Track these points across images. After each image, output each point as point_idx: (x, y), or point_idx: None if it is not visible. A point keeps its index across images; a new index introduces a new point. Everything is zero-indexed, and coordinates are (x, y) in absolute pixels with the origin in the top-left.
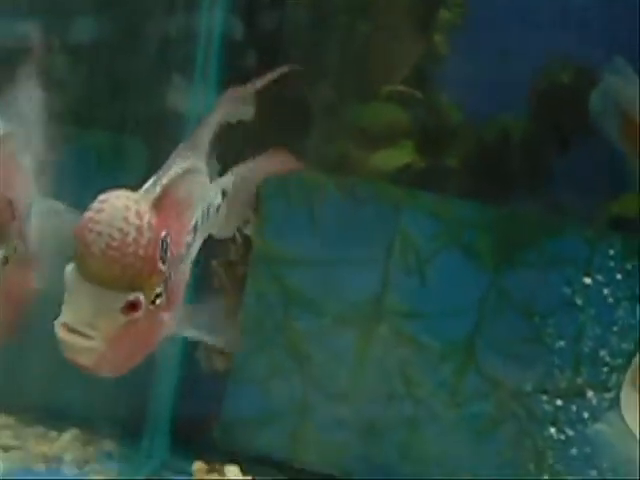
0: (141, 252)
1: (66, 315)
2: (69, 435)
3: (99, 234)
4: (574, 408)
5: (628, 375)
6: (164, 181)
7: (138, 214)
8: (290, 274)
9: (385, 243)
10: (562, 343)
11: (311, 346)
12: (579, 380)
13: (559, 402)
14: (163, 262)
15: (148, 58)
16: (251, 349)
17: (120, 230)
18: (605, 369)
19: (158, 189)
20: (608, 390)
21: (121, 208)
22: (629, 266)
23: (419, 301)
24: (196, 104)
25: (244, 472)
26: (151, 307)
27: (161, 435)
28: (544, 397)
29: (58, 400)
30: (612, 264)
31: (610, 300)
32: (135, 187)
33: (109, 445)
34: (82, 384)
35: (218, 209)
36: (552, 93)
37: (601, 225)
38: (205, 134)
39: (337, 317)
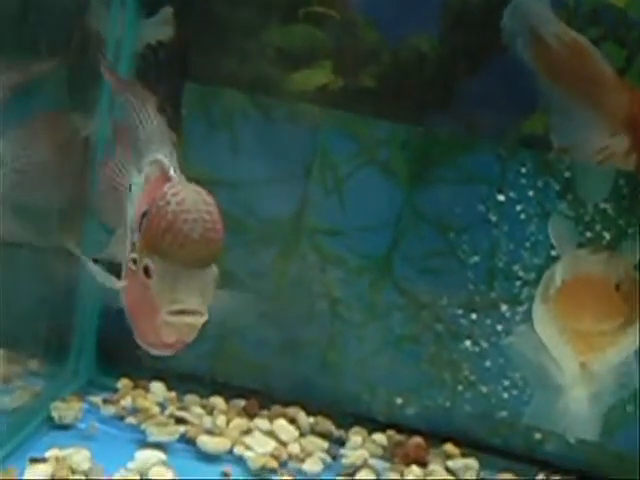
0: (222, 227)
1: (181, 302)
2: None
3: (195, 221)
4: (488, 321)
5: (539, 289)
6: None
7: (207, 194)
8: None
9: (304, 162)
10: (476, 258)
11: (233, 265)
12: (493, 294)
13: (474, 316)
14: None
15: None
16: None
17: (207, 212)
18: (518, 283)
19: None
20: (521, 304)
21: (195, 193)
22: (540, 183)
23: (337, 218)
24: (114, 27)
25: (169, 388)
26: None
27: (87, 353)
28: (459, 311)
29: None
30: (524, 181)
31: (522, 216)
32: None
33: (35, 364)
34: (5, 303)
35: None
36: (464, 11)
37: (513, 143)
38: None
39: (258, 236)
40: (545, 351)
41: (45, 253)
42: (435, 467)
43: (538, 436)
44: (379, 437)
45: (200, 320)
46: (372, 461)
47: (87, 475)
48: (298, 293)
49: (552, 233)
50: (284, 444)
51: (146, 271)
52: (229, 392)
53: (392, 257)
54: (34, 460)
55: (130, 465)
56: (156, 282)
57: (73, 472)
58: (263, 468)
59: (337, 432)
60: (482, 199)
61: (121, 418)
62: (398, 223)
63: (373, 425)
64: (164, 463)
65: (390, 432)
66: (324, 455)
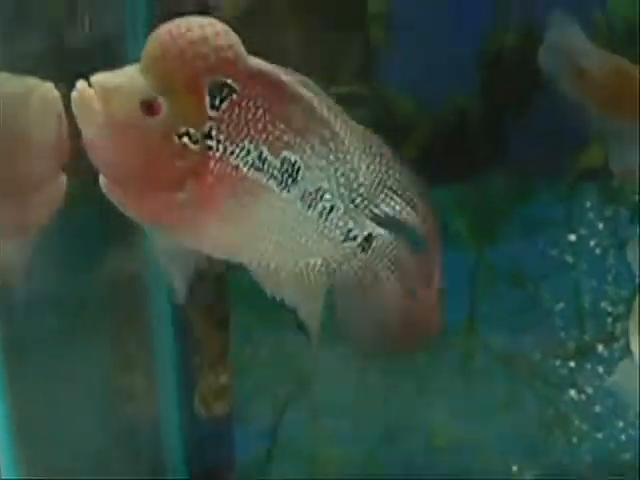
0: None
1: None
2: None
3: None
4: (588, 366)
5: (631, 320)
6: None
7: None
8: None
9: None
10: (561, 304)
11: (305, 366)
12: (586, 337)
13: (572, 363)
14: (212, 106)
15: None
16: (249, 387)
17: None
18: (609, 320)
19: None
20: (616, 340)
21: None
22: (608, 213)
23: None
24: None
25: None
26: (186, 139)
27: None
28: (556, 362)
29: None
30: (591, 215)
31: (598, 251)
32: None
33: None
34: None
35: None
36: (499, 59)
37: (573, 179)
38: None
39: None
40: None
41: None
42: None
43: None
44: None
45: None
46: None
47: None
48: (381, 386)
49: (632, 261)
50: None
51: None
52: None
53: (475, 322)
54: None
55: None
56: None
57: None
58: None
59: None
60: (554, 243)
61: None
62: (473, 287)
63: None
64: None
65: None
66: None
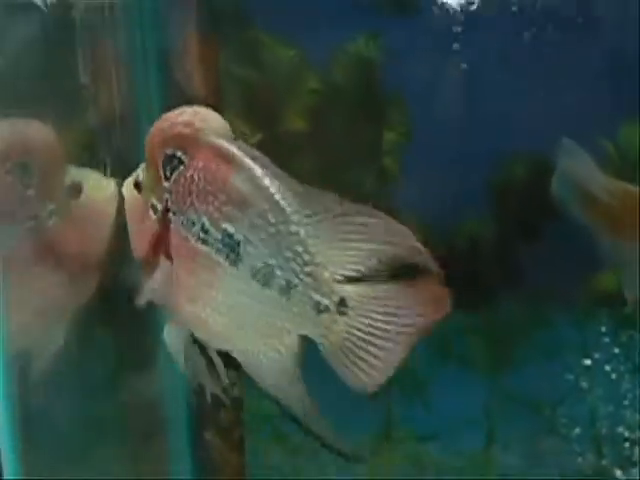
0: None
1: None
2: None
3: None
4: None
5: None
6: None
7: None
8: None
9: None
10: (578, 429)
11: None
12: (604, 462)
13: None
14: (165, 177)
15: None
16: None
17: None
18: (626, 445)
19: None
20: (634, 464)
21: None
22: (623, 338)
23: (428, 423)
24: None
25: None
26: (151, 211)
27: None
28: None
29: None
30: (606, 340)
31: (614, 376)
32: None
33: None
34: None
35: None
36: (511, 189)
37: (586, 305)
38: None
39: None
40: None
41: None
42: None
43: None
44: None
45: None
46: None
47: None
48: None
49: None
50: None
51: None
52: None
53: (492, 449)
54: None
55: None
56: None
57: None
58: None
59: None
60: (569, 368)
61: None
62: (490, 413)
63: None
64: None
65: None
66: None
